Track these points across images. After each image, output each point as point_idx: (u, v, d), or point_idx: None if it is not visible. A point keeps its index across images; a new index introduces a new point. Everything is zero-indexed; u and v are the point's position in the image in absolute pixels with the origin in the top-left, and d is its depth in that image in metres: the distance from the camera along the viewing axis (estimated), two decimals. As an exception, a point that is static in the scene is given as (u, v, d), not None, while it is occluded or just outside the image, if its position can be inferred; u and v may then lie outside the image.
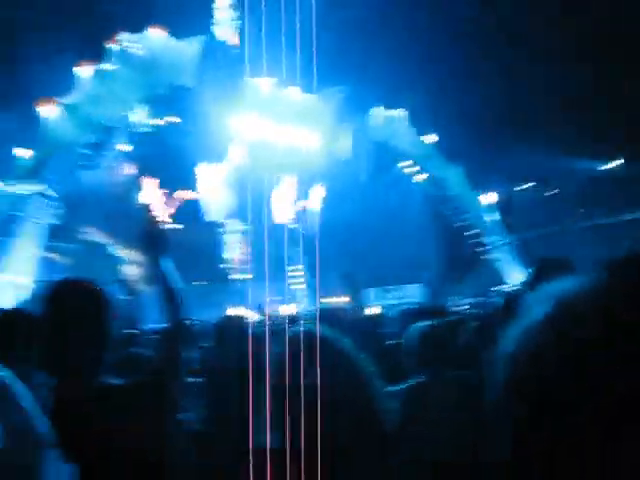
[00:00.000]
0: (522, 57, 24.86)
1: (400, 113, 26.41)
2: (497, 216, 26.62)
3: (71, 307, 1.74)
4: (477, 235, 26.56)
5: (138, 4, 23.10)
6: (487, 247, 26.39)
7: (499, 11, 25.13)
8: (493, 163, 24.43)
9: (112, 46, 22.83)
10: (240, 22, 27.15)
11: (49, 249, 22.70)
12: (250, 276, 25.52)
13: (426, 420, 2.67)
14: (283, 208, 25.97)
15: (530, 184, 28.06)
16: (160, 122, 24.98)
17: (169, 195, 25.74)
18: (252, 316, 13.85)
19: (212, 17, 26.28)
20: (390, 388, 2.72)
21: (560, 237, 24.27)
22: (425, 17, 24.79)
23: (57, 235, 23.09)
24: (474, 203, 26.80)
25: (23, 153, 21.63)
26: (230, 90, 23.84)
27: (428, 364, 2.75)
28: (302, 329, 1.50)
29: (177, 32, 23.81)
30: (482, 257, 26.28)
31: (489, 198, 26.63)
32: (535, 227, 25.77)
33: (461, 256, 25.52)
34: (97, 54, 22.77)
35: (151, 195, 25.48)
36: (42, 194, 21.91)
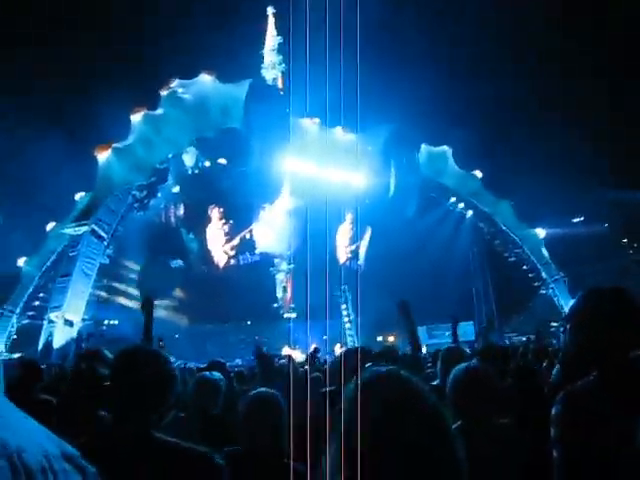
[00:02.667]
0: (573, 99, 24.73)
1: (447, 150, 26.44)
2: (548, 251, 26.10)
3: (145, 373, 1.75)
4: (529, 270, 26.03)
5: (189, 51, 23.78)
6: (540, 282, 25.80)
7: (548, 55, 25.24)
8: (543, 198, 24.07)
9: (164, 92, 23.43)
10: (285, 65, 27.90)
11: (99, 288, 23.03)
12: (294, 315, 25.43)
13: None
14: (338, 246, 25.97)
15: (579, 219, 27.53)
16: (209, 164, 25.42)
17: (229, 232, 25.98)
18: (297, 356, 13.62)
19: (259, 61, 27.00)
20: None
21: (611, 272, 23.61)
22: (472, 55, 25.01)
23: (107, 274, 23.44)
24: (525, 238, 26.43)
25: (80, 197, 22.22)
26: (277, 131, 24.16)
27: (466, 409, 2.56)
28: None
29: (225, 76, 24.37)
30: (535, 293, 25.67)
31: (540, 233, 26.18)
32: (586, 262, 25.08)
33: (513, 292, 24.95)
34: (150, 100, 23.42)
35: (214, 227, 25.76)
36: (94, 234, 22.30)
